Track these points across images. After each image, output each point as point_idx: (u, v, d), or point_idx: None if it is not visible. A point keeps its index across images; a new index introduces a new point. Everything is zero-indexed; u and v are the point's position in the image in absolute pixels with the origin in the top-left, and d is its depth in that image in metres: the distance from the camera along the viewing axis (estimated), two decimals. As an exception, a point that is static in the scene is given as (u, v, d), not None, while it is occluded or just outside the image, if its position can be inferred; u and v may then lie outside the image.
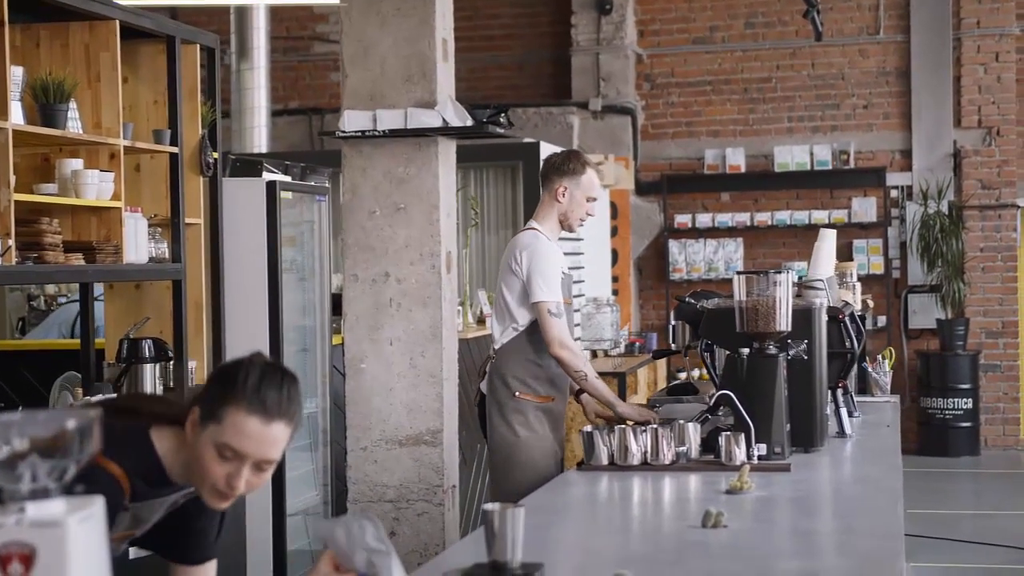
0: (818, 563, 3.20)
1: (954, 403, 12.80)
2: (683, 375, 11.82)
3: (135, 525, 2.84)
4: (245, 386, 2.67)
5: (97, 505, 1.82)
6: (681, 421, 4.55)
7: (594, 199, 5.57)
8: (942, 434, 12.80)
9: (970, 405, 12.82)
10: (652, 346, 12.17)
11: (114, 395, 5.29)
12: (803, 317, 4.72)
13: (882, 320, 13.12)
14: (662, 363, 11.90)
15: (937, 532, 9.28)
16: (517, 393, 5.41)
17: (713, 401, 4.58)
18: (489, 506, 2.80)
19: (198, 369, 6.02)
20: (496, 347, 5.52)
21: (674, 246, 13.50)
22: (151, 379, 5.59)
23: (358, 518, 2.61)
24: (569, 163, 5.53)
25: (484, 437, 5.65)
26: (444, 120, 5.93)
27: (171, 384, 5.78)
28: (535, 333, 5.37)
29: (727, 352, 4.73)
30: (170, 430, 2.79)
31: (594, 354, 10.65)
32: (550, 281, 5.33)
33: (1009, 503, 10.84)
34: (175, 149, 5.74)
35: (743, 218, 13.39)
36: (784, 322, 4.57)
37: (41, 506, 1.78)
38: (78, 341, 6.00)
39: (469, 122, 5.99)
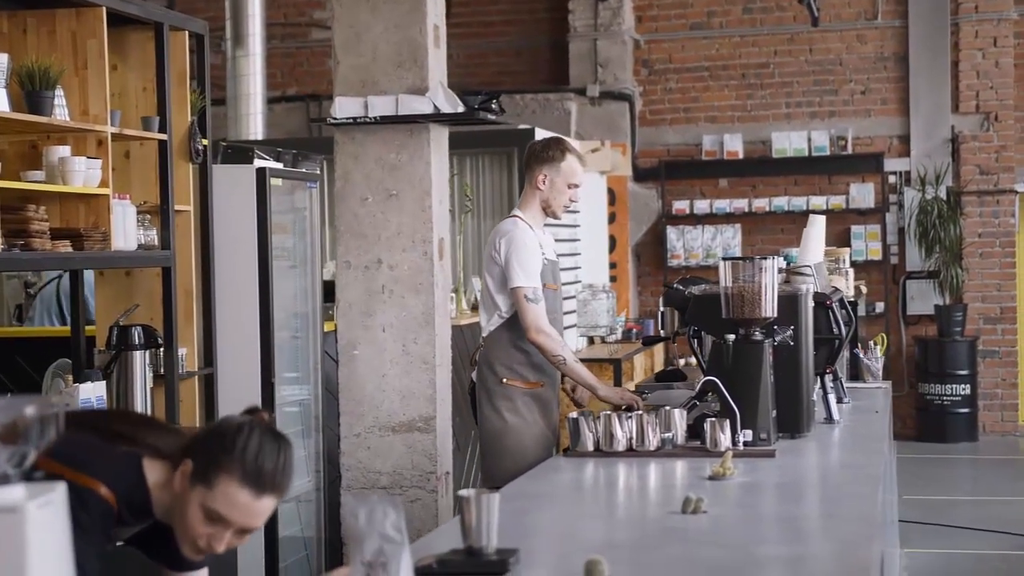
0: (793, 548, 3.21)
1: (952, 389, 12.79)
2: (681, 361, 11.82)
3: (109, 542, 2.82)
4: (244, 455, 2.66)
5: (58, 491, 1.83)
6: (667, 407, 4.56)
7: (575, 185, 5.57)
8: (940, 420, 12.80)
9: (968, 391, 12.82)
10: (649, 333, 12.16)
11: (114, 409, 5.24)
12: (789, 303, 4.72)
13: (880, 306, 13.12)
14: (659, 350, 11.90)
15: (934, 518, 9.29)
16: (504, 380, 5.44)
17: (699, 387, 4.58)
18: (464, 492, 2.81)
19: (188, 356, 6.02)
20: (484, 335, 5.55)
21: (672, 232, 13.50)
22: (140, 366, 5.59)
23: (383, 503, 2.62)
24: (548, 150, 5.54)
25: (476, 424, 5.67)
26: (435, 107, 5.92)
27: (161, 371, 5.78)
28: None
29: (713, 338, 4.73)
30: (162, 464, 2.76)
31: (591, 340, 10.65)
32: (527, 267, 5.35)
33: (1007, 489, 10.84)
34: (164, 136, 5.74)
35: (741, 204, 13.38)
36: (770, 308, 4.57)
37: (0, 492, 1.78)
38: (69, 328, 6.00)
39: (460, 108, 5.98)
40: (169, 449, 2.77)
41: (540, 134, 10.54)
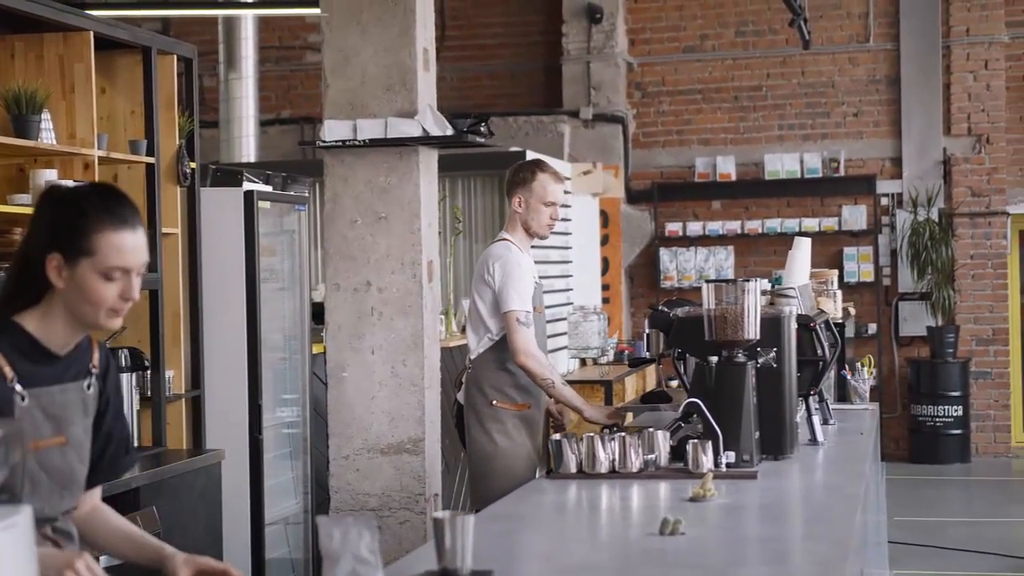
0: (769, 569, 3.21)
1: (944, 410, 12.80)
2: (674, 383, 11.82)
3: (56, 425, 2.82)
4: (100, 211, 2.76)
5: (23, 514, 1.84)
6: (651, 429, 4.57)
7: (552, 203, 5.65)
8: (932, 441, 12.81)
9: (960, 412, 12.82)
10: (640, 353, 12.17)
11: None
12: (772, 325, 4.74)
13: (872, 327, 13.13)
14: (651, 371, 11.91)
15: (927, 540, 9.29)
16: (494, 402, 5.49)
17: (682, 409, 4.59)
18: (439, 514, 2.82)
19: (175, 378, 6.04)
20: (472, 357, 5.60)
21: (665, 254, 13.52)
22: (128, 389, 5.60)
23: (359, 523, 2.63)
24: (519, 173, 5.70)
25: (463, 446, 5.69)
26: (424, 129, 5.95)
27: (148, 394, 5.79)
28: None
29: (697, 360, 4.74)
30: (29, 311, 2.82)
31: (583, 362, 10.66)
32: (521, 292, 5.43)
33: (999, 511, 10.85)
34: (152, 159, 5.76)
35: (734, 226, 13.40)
36: (752, 330, 4.58)
37: (-37, 515, 1.79)
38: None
39: (449, 131, 6.00)
40: (23, 296, 2.82)
41: (531, 156, 10.56)
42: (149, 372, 5.77)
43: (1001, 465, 12.92)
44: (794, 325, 4.89)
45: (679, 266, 13.52)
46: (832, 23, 13.40)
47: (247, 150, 10.47)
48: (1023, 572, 8.48)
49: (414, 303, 6.00)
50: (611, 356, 10.89)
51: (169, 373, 5.92)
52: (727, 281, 4.63)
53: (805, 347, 5.15)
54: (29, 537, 1.84)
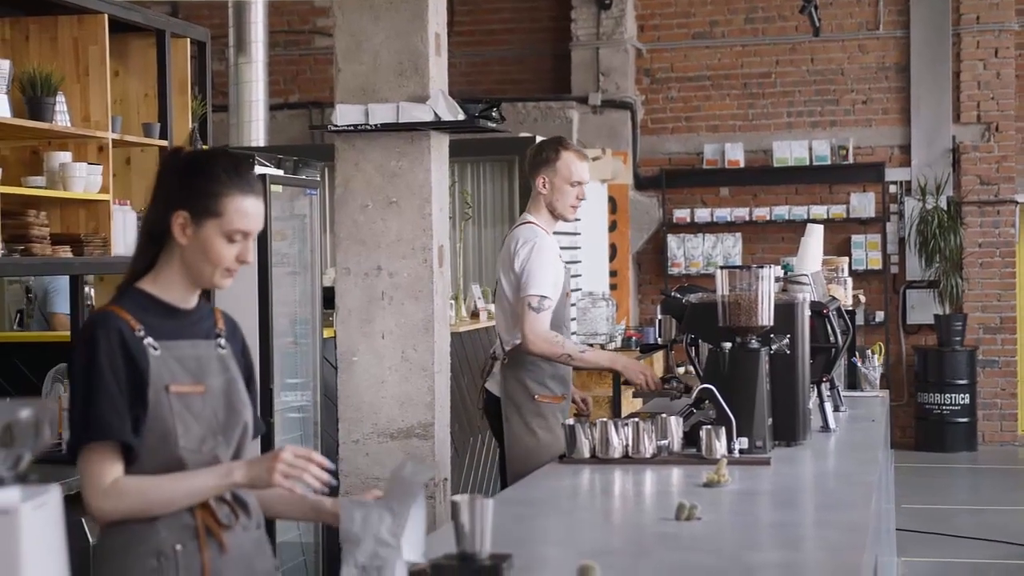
0: (786, 555, 3.22)
1: (951, 398, 12.80)
2: (681, 370, 11.82)
3: (193, 376, 2.96)
4: (231, 175, 2.93)
5: (52, 493, 1.85)
6: (664, 414, 4.57)
7: (578, 183, 5.52)
8: (939, 429, 12.81)
9: (967, 400, 12.83)
10: (649, 340, 12.17)
11: None
12: (786, 312, 4.73)
13: (880, 315, 13.13)
14: (660, 357, 11.91)
15: (933, 527, 9.30)
16: (536, 396, 5.38)
17: (695, 395, 4.59)
18: (457, 498, 2.82)
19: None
20: (507, 348, 5.45)
21: (673, 241, 13.52)
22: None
23: (380, 507, 2.65)
24: (542, 152, 5.53)
25: (495, 435, 5.59)
26: (436, 114, 5.94)
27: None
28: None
29: (710, 346, 4.75)
30: (145, 277, 2.99)
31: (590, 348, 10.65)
32: (541, 278, 5.30)
33: (1005, 498, 10.86)
34: (165, 143, 5.76)
35: (742, 213, 13.40)
36: (766, 316, 4.58)
37: (-5, 494, 1.80)
38: (69, 334, 6.01)
39: (461, 116, 5.99)
40: (146, 261, 3.00)
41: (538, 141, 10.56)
42: (162, 355, 5.77)
43: (1007, 453, 12.93)
44: (807, 312, 4.89)
45: (687, 253, 13.52)
46: (842, 10, 13.38)
47: (256, 134, 10.46)
48: (1018, 560, 8.48)
49: (425, 288, 5.99)
50: (619, 342, 10.89)
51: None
52: (741, 267, 4.62)
53: (818, 334, 5.15)
54: (58, 515, 1.85)
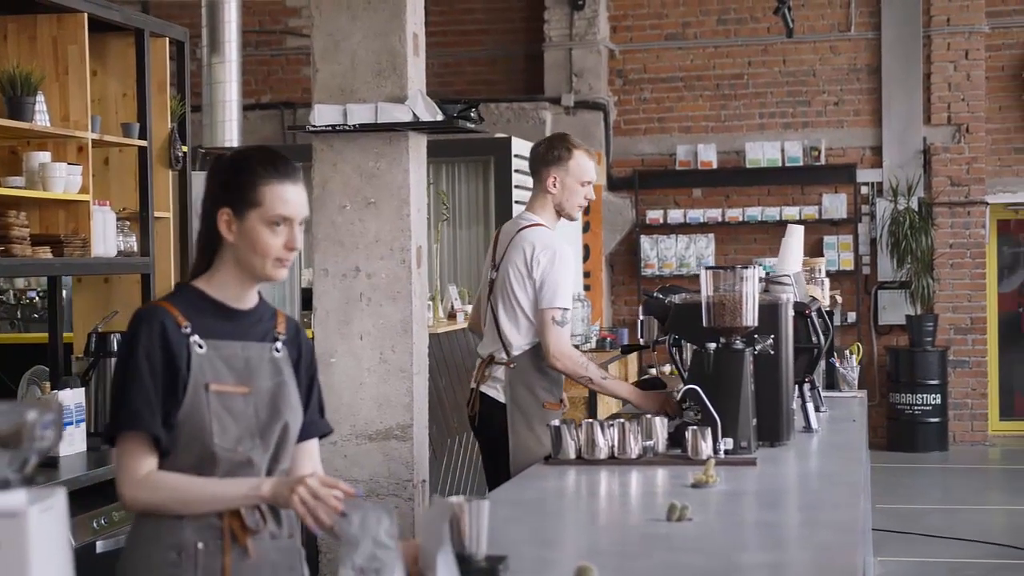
0: (779, 556, 3.22)
1: (923, 399, 12.87)
2: (652, 370, 11.84)
3: (238, 376, 2.99)
4: (266, 166, 3.00)
5: (58, 496, 1.83)
6: (649, 416, 4.57)
7: (588, 182, 5.35)
8: (911, 429, 12.87)
9: (939, 401, 12.89)
10: (624, 342, 12.18)
11: None
12: (770, 312, 4.74)
13: (852, 316, 13.19)
14: (633, 358, 11.93)
15: (905, 527, 9.34)
16: (546, 404, 5.26)
17: (680, 396, 4.59)
18: (454, 499, 2.81)
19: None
20: (516, 352, 5.28)
21: (646, 242, 13.54)
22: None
23: (378, 509, 2.64)
24: (553, 150, 5.33)
25: (486, 441, 5.45)
26: (415, 115, 5.92)
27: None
28: None
29: (694, 347, 4.75)
30: (201, 276, 3.05)
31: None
32: (563, 289, 5.15)
33: (977, 498, 10.92)
34: (144, 143, 5.72)
35: (715, 214, 13.43)
36: (751, 317, 4.58)
37: (1, 497, 1.78)
38: (46, 335, 5.96)
39: (439, 117, 5.98)
40: (203, 262, 3.06)
41: (517, 143, 10.56)
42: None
43: (978, 453, 13.00)
44: (791, 312, 4.90)
45: (660, 254, 13.54)
46: (814, 12, 13.43)
47: (230, 135, 10.38)
48: (1001, 559, 8.53)
49: (403, 289, 5.98)
50: (594, 343, 10.90)
51: (160, 358, 5.87)
52: (725, 268, 4.62)
53: (800, 334, 5.15)
54: (65, 518, 1.83)
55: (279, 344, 3.09)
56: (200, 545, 2.92)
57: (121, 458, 2.93)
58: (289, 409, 3.06)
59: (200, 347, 2.95)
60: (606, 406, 9.68)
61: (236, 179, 3.01)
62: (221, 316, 3.01)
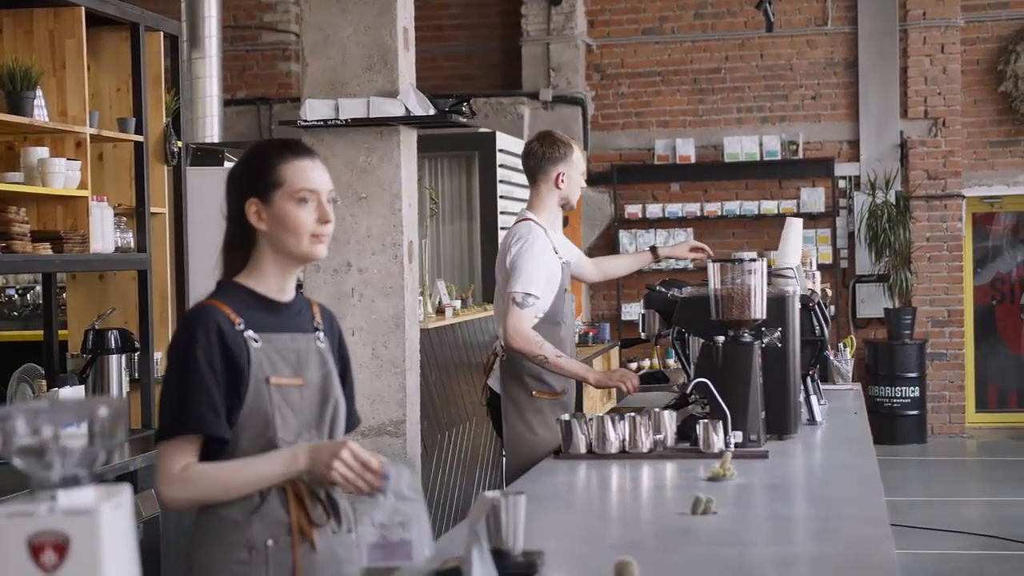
0: (810, 548, 3.23)
1: (901, 391, 12.92)
2: (634, 365, 11.85)
3: (293, 369, 2.97)
4: (279, 148, 3.02)
5: (126, 493, 1.80)
6: (657, 409, 4.56)
7: (583, 173, 5.57)
8: (889, 422, 12.91)
9: (917, 393, 12.95)
10: (605, 336, 12.21)
11: None
12: (777, 305, 4.74)
13: (831, 309, 13.21)
14: (614, 353, 11.95)
15: (892, 519, 9.34)
16: (535, 392, 5.34)
17: (691, 389, 4.58)
18: (491, 494, 2.79)
19: (164, 360, 5.96)
20: (505, 345, 5.36)
21: (624, 236, 13.54)
22: (117, 370, 5.52)
23: (397, 464, 2.63)
24: (557, 148, 5.45)
25: (497, 434, 5.54)
26: (407, 109, 5.90)
27: (137, 375, 5.71)
28: (546, 329, 5.29)
29: (702, 340, 4.74)
30: (240, 273, 3.02)
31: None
32: (529, 273, 5.23)
33: (956, 490, 10.98)
34: (140, 138, 5.67)
35: (693, 208, 13.44)
36: (759, 310, 4.58)
37: (72, 494, 1.76)
38: (40, 332, 5.91)
39: (431, 111, 5.96)
40: (240, 260, 3.03)
41: (501, 138, 10.54)
42: (138, 353, 5.69)
43: (956, 445, 13.06)
44: (798, 304, 4.90)
45: (638, 248, 13.52)
46: (791, 6, 13.46)
47: (211, 130, 10.34)
48: (980, 550, 8.58)
49: (395, 284, 5.97)
50: (576, 339, 10.89)
51: (157, 354, 5.84)
52: (733, 261, 4.61)
53: (804, 327, 5.16)
54: (131, 514, 1.80)
55: (321, 334, 3.07)
56: (270, 542, 2.89)
57: (163, 457, 2.89)
58: (338, 399, 3.06)
59: (255, 342, 2.93)
60: (591, 400, 9.68)
61: (254, 168, 3.01)
62: (266, 310, 2.99)
